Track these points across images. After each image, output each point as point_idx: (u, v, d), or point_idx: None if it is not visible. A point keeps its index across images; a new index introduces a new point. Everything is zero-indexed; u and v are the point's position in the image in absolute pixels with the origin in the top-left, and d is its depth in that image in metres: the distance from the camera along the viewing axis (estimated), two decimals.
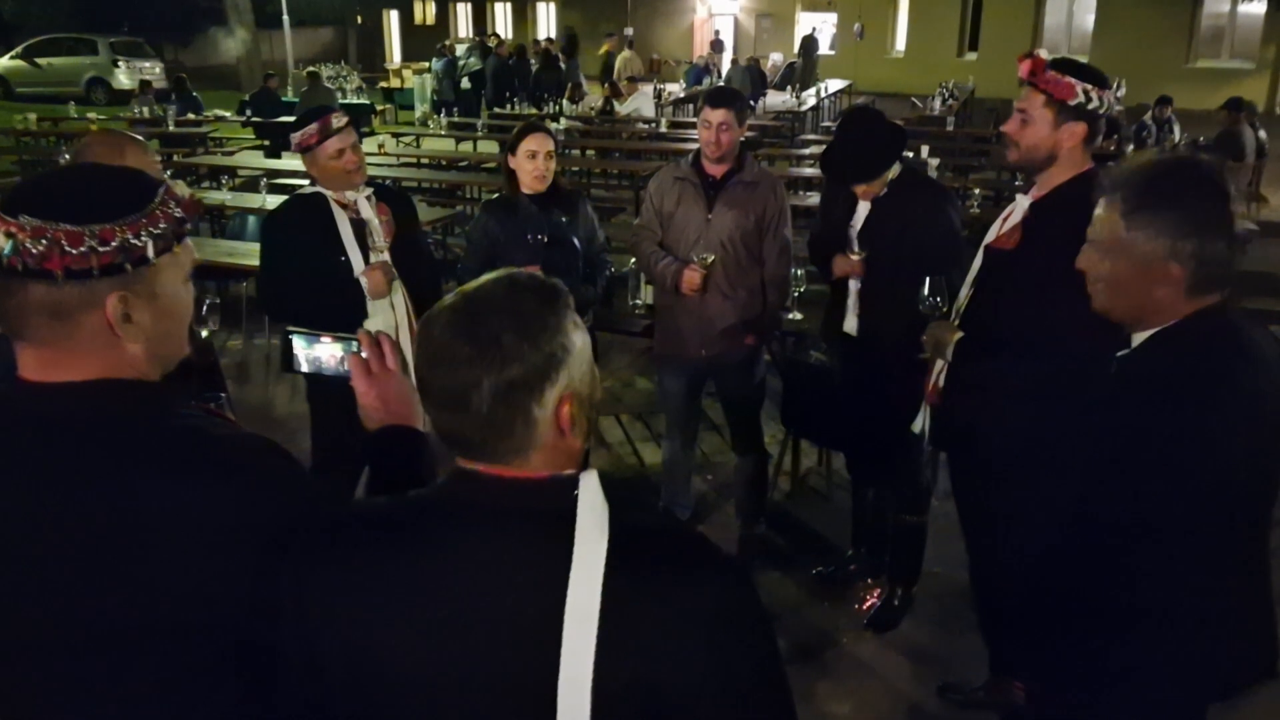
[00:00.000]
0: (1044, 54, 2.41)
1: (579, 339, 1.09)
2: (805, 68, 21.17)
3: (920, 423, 2.82)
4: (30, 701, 1.14)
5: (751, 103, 16.20)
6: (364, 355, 1.36)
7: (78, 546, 1.08)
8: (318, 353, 1.43)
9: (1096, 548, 1.62)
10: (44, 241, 1.06)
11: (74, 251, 1.07)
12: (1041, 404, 2.30)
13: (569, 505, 1.05)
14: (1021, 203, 2.51)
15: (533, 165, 3.50)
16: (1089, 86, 2.34)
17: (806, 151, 10.20)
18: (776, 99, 17.80)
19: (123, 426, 1.13)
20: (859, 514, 3.71)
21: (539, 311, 1.06)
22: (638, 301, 4.60)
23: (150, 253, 1.13)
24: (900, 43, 23.35)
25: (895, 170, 3.18)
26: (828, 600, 3.62)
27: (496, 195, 3.73)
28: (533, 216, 3.52)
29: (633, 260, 4.43)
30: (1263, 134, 9.95)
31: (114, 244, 1.10)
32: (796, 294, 4.28)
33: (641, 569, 1.04)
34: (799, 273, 4.33)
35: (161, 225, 1.14)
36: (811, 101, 16.66)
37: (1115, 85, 2.39)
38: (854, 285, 3.31)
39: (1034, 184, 2.52)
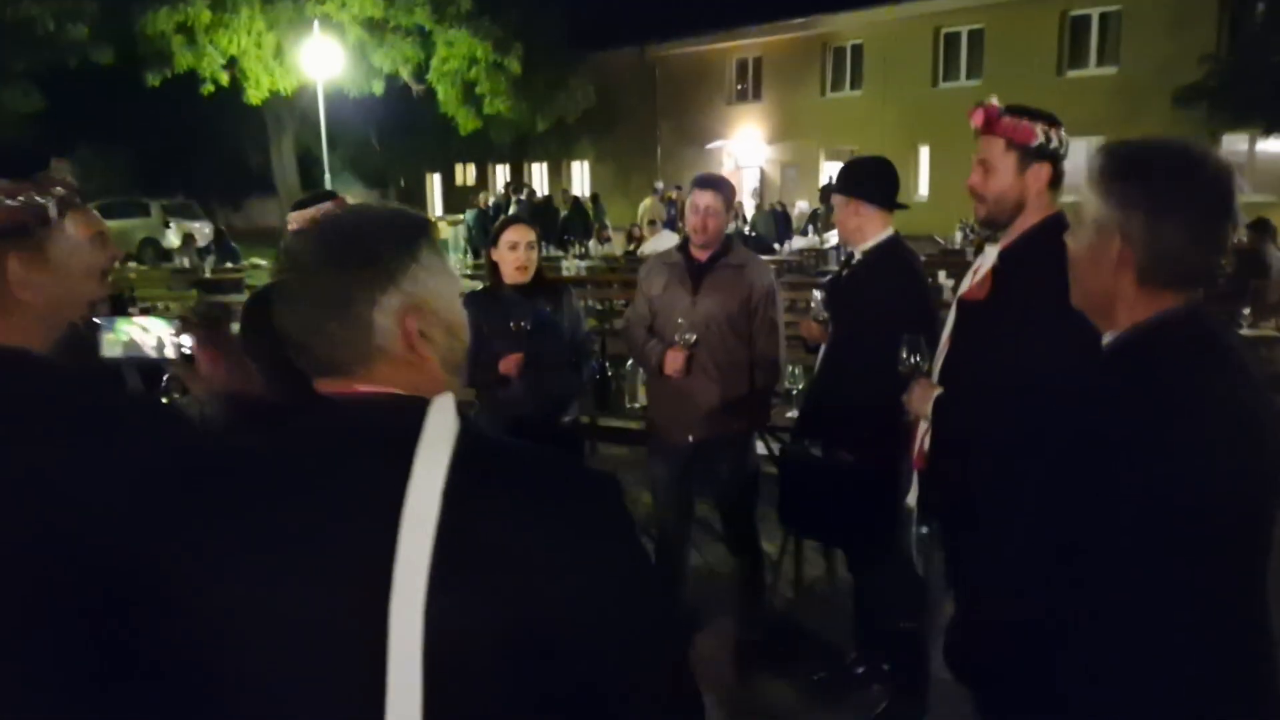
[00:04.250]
0: (995, 100, 2.38)
1: (434, 263, 1.07)
2: (828, 213, 21.67)
3: (913, 496, 2.66)
4: None
5: (776, 245, 16.58)
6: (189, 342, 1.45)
7: None
8: (136, 337, 1.47)
9: (1056, 590, 1.42)
10: None
11: None
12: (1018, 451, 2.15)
13: (416, 426, 0.98)
14: (990, 253, 2.45)
15: (514, 256, 3.51)
16: (1046, 126, 2.29)
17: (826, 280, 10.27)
18: (800, 242, 18.14)
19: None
20: (859, 614, 3.48)
21: (386, 224, 1.06)
22: (635, 405, 4.51)
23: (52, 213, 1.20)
24: (923, 187, 23.86)
25: (884, 235, 3.16)
26: (828, 707, 3.36)
27: (482, 287, 3.74)
28: (515, 305, 3.51)
29: (629, 362, 4.38)
30: None
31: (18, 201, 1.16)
32: (795, 391, 4.17)
33: (486, 491, 0.95)
34: (796, 370, 4.24)
35: (58, 190, 1.22)
36: (834, 240, 16.92)
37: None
38: (820, 355, 3.27)
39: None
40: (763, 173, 28.27)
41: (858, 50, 25.32)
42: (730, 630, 3.70)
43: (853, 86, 25.30)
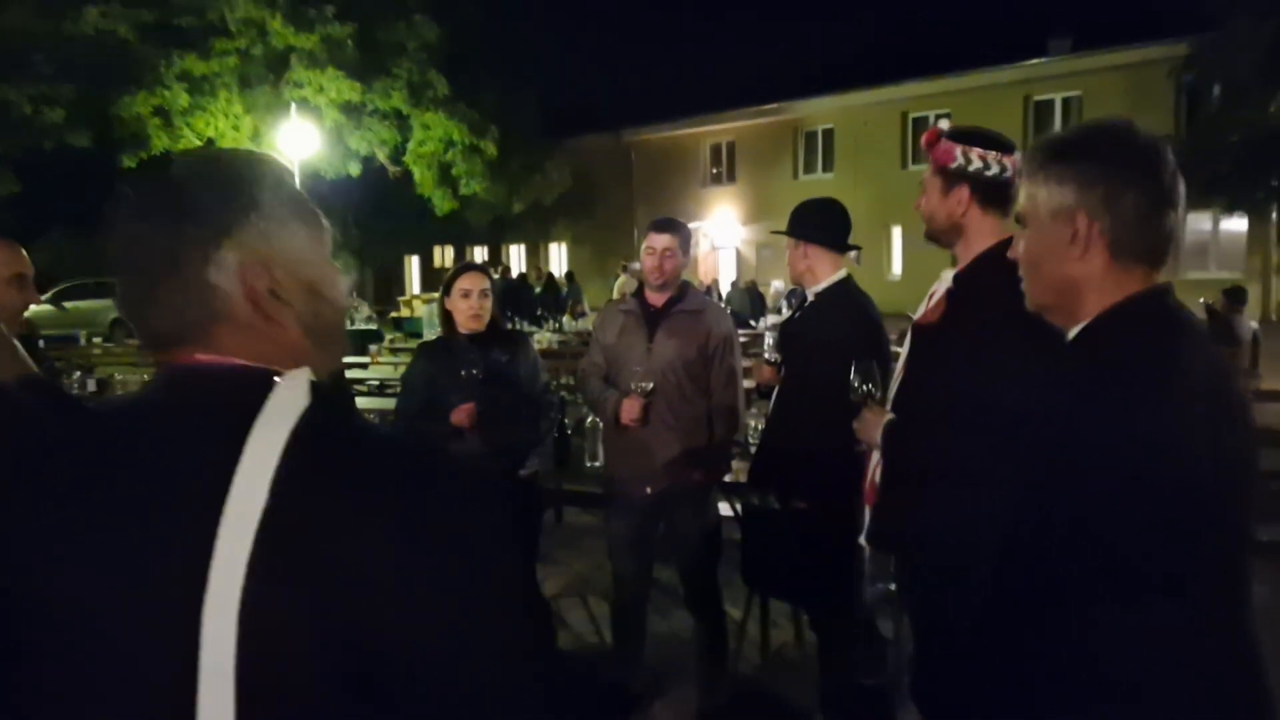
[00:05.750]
0: (943, 125, 2.37)
1: (283, 213, 0.93)
2: (802, 292, 21.86)
3: (867, 532, 2.53)
4: None
5: (751, 321, 16.63)
6: None
7: None
8: None
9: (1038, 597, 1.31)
10: None
11: None
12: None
13: (257, 403, 0.84)
14: (945, 277, 2.39)
15: (467, 304, 3.41)
16: (968, 149, 2.28)
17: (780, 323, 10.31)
18: (774, 319, 18.26)
19: None
20: (822, 676, 3.30)
21: (217, 172, 0.93)
22: (596, 464, 4.36)
23: None
24: (897, 266, 24.18)
25: (836, 277, 3.11)
26: None
27: (434, 337, 3.63)
28: (468, 354, 3.40)
29: (589, 418, 4.26)
30: (1254, 323, 10.18)
31: None
32: (753, 444, 4.05)
33: (321, 482, 0.81)
34: (757, 424, 4.13)
35: None
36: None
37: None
38: (773, 398, 3.18)
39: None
40: (738, 253, 28.58)
41: (829, 134, 25.95)
42: (691, 698, 3.50)
43: (824, 169, 25.85)
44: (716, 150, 28.38)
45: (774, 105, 25.99)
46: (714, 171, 28.54)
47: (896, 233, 24.29)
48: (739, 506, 3.87)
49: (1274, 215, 19.29)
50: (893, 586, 3.04)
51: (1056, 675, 1.24)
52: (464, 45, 20.80)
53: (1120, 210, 1.36)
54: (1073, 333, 1.45)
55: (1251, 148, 16.21)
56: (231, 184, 0.91)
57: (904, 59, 24.55)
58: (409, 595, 0.78)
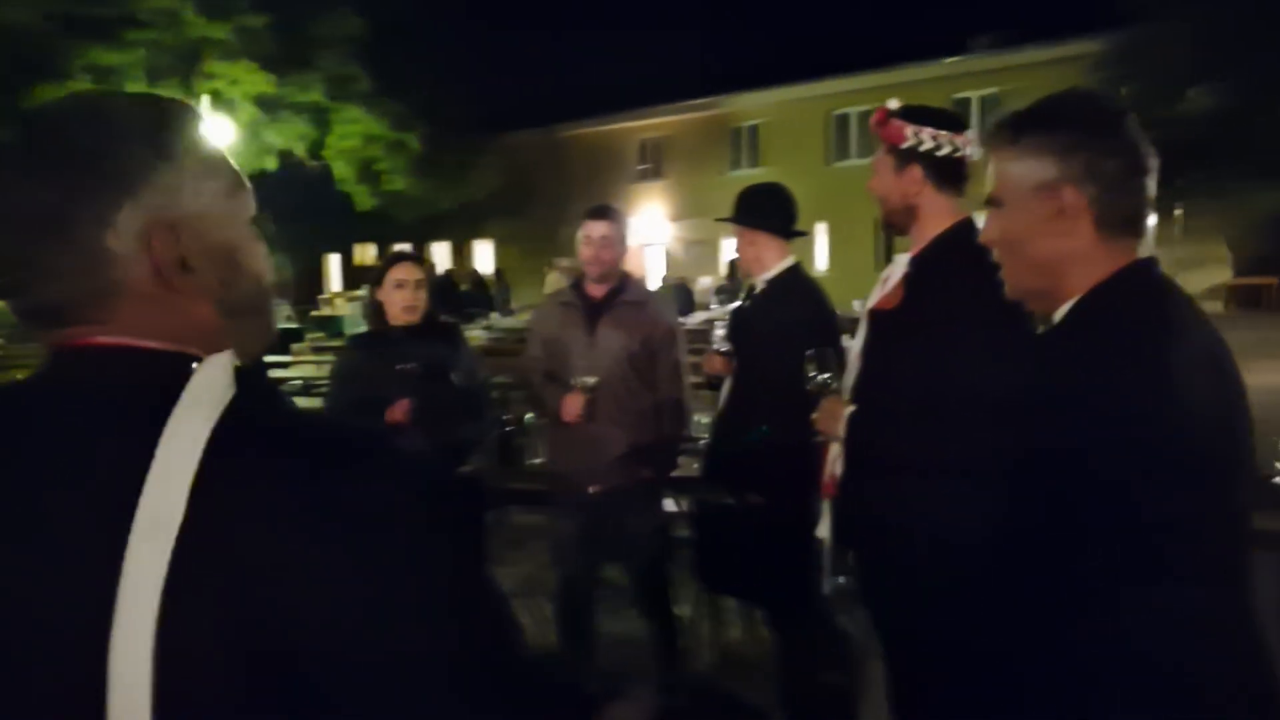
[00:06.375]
0: (893, 104, 2.30)
1: (195, 165, 0.79)
2: (732, 288, 21.96)
3: (824, 527, 2.44)
4: None
5: (681, 319, 16.55)
6: None
7: None
8: None
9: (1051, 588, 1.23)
10: None
11: None
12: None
13: (170, 394, 0.70)
14: (901, 260, 2.32)
15: (401, 296, 3.24)
16: (920, 128, 2.22)
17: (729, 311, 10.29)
18: (702, 315, 18.25)
19: None
20: (782, 672, 3.22)
21: (119, 112, 0.77)
22: (538, 461, 4.22)
23: None
24: (822, 261, 24.42)
25: (785, 264, 3.02)
26: None
27: (366, 330, 3.44)
28: (404, 348, 3.22)
29: (529, 415, 4.12)
30: None
31: None
32: (700, 438, 3.95)
33: (259, 478, 0.68)
34: (703, 419, 4.04)
35: None
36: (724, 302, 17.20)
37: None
38: (725, 390, 3.07)
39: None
40: (667, 250, 28.58)
41: (757, 130, 26.08)
42: (647, 699, 3.39)
43: (753, 165, 25.95)
44: (646, 146, 28.33)
45: (704, 101, 26.03)
46: (644, 167, 28.48)
47: (822, 229, 24.54)
48: (687, 503, 3.77)
49: (1177, 214, 19.97)
50: (840, 580, 2.96)
51: (1098, 668, 1.15)
52: (389, 38, 20.34)
53: (1104, 177, 1.32)
54: (1060, 312, 1.38)
55: (1159, 146, 16.71)
56: (136, 131, 0.76)
57: (830, 56, 24.82)
58: (356, 617, 0.66)
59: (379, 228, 26.33)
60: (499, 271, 21.14)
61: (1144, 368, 1.17)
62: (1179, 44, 15.64)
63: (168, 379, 0.71)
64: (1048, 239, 1.35)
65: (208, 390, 0.71)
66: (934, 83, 22.65)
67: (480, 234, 29.32)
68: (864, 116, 23.75)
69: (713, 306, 18.61)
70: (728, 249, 26.33)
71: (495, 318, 14.54)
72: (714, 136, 26.61)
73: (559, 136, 28.62)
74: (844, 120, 24.58)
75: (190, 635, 0.63)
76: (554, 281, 18.60)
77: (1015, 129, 1.41)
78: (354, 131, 20.69)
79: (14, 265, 0.74)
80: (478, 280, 17.10)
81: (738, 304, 3.22)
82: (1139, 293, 1.31)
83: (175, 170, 0.76)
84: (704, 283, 23.85)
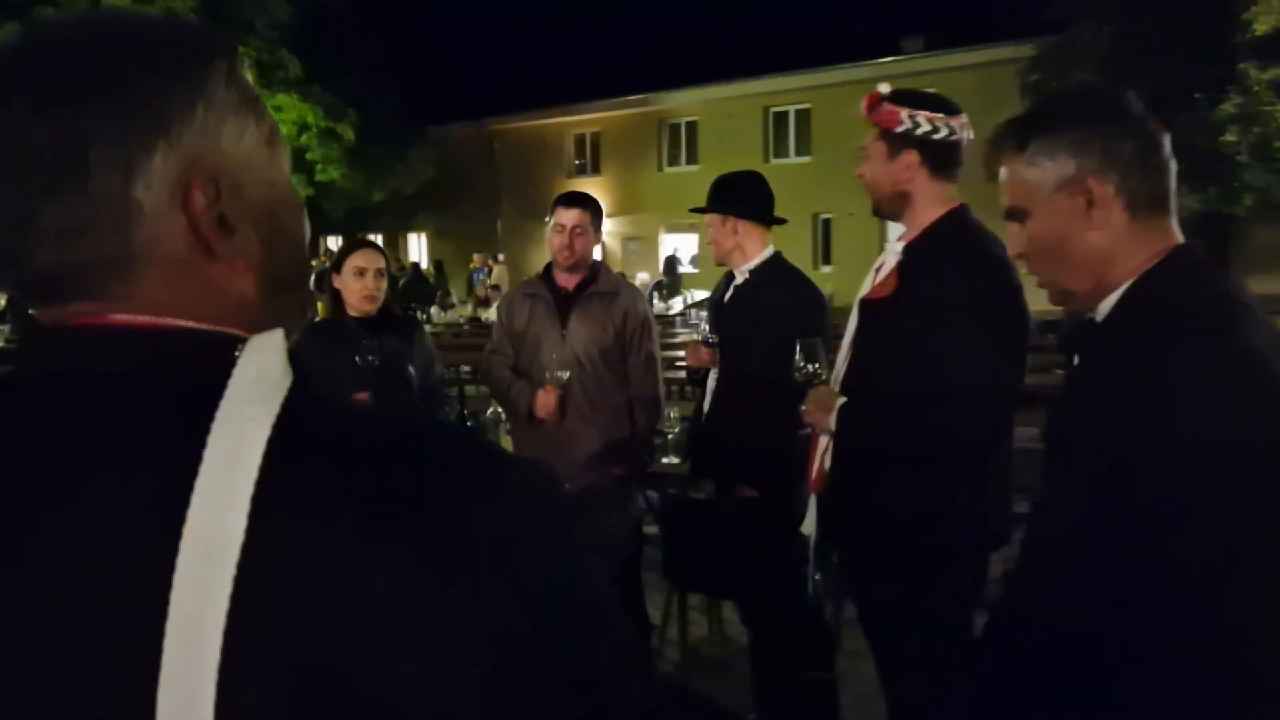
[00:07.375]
0: (884, 88, 2.24)
1: (237, 106, 0.64)
2: (671, 284, 22.00)
3: (810, 523, 2.37)
4: None
5: None
6: None
7: None
8: None
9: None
10: None
11: None
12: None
13: (216, 387, 0.56)
14: (894, 247, 2.26)
15: (360, 284, 3.08)
16: (916, 111, 2.16)
17: (678, 340, 10.27)
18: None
19: None
20: (759, 669, 3.14)
21: (150, 36, 0.62)
22: None
23: None
24: None
25: (768, 252, 2.95)
26: None
27: (320, 320, 3.27)
28: (362, 339, 3.06)
29: (489, 411, 3.98)
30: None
31: None
32: (670, 435, 3.86)
33: (337, 491, 0.54)
34: (673, 414, 3.94)
35: None
36: (679, 307, 17.20)
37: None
38: (711, 382, 2.98)
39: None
40: (604, 246, 28.45)
41: (693, 126, 26.07)
42: None
43: (689, 162, 25.95)
44: (581, 141, 28.12)
45: (638, 96, 25.91)
46: (579, 163, 28.27)
47: None
48: (655, 499, 3.68)
49: None
50: (818, 577, 2.91)
51: (1209, 668, 1.08)
52: (319, 26, 19.84)
53: (1123, 161, 1.31)
54: (1108, 303, 1.33)
55: None
56: (167, 58, 0.61)
57: (765, 53, 24.96)
58: (461, 662, 0.53)
59: (310, 219, 25.75)
60: (439, 263, 20.76)
61: (1228, 346, 1.13)
62: (1105, 49, 16.02)
63: (208, 365, 0.58)
64: (1084, 235, 1.33)
65: (260, 379, 0.57)
66: (868, 82, 22.91)
67: (412, 227, 28.82)
68: (801, 115, 23.94)
69: (655, 303, 18.58)
70: (666, 245, 26.42)
71: (435, 312, 14.26)
72: (649, 132, 26.53)
73: (491, 129, 28.25)
74: (782, 118, 24.70)
75: (253, 688, 0.50)
76: (499, 273, 18.39)
77: (1020, 136, 1.39)
78: (285, 119, 20.14)
79: (9, 223, 0.59)
80: (417, 272, 16.78)
81: (719, 295, 3.12)
82: (1197, 272, 1.28)
83: (216, 109, 0.62)
84: (641, 278, 23.79)
